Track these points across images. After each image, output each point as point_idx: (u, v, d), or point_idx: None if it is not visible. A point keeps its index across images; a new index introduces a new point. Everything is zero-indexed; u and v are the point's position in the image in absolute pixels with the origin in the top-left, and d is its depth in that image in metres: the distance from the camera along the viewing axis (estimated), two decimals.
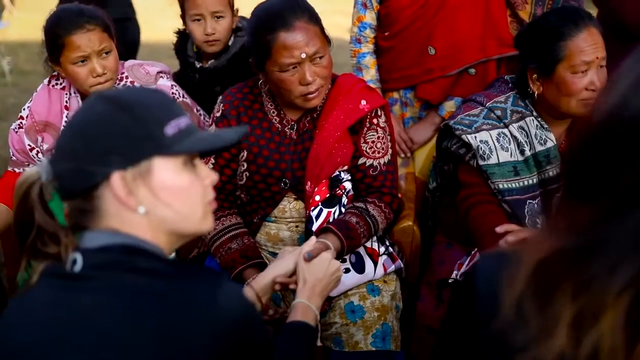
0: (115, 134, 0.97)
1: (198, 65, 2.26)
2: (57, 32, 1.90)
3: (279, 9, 1.70)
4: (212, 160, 1.92)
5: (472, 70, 2.26)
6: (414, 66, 2.27)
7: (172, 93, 2.09)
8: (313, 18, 1.72)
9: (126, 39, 3.44)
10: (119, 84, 2.03)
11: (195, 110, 2.19)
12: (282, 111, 1.87)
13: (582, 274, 0.72)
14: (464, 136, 1.82)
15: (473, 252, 1.93)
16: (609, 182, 0.75)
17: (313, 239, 1.57)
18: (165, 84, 2.07)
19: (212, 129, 1.93)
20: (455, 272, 1.92)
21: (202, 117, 2.22)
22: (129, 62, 2.10)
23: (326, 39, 1.75)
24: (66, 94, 2.06)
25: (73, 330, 0.93)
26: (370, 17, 2.31)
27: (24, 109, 2.08)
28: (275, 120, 1.87)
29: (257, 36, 1.71)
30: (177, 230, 1.02)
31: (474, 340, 0.87)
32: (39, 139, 2.05)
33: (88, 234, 0.99)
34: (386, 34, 2.29)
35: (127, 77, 2.05)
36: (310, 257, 1.47)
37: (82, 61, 1.91)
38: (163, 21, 6.66)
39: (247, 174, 1.87)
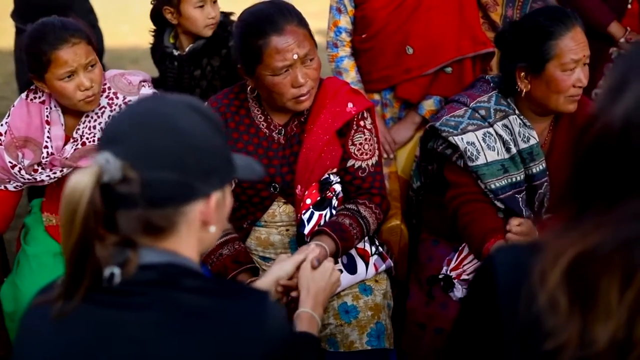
0: (217, 153, 0.97)
1: (176, 53, 2.34)
2: (41, 48, 1.83)
3: (269, 14, 1.70)
4: None
5: (449, 69, 2.32)
6: (392, 66, 2.31)
7: None
8: (302, 21, 1.74)
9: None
10: (101, 95, 2.00)
11: None
12: (269, 116, 1.88)
13: (625, 266, 0.75)
14: (450, 138, 1.85)
15: (460, 248, 1.98)
16: (634, 182, 0.79)
17: (314, 245, 1.59)
18: (148, 92, 2.06)
19: None
20: (444, 268, 1.97)
21: None
22: (110, 72, 2.07)
23: (314, 42, 1.77)
24: (46, 108, 2.00)
25: (118, 347, 0.91)
26: (345, 22, 2.35)
27: (1, 125, 2.00)
28: (263, 125, 1.88)
29: (247, 41, 1.71)
30: (205, 250, 1.04)
31: (494, 331, 0.89)
32: (20, 155, 1.98)
33: (143, 250, 0.95)
34: (363, 36, 2.33)
35: (109, 88, 2.02)
36: (318, 264, 1.49)
37: (69, 76, 1.86)
38: (121, 26, 6.57)
39: (236, 181, 1.87)
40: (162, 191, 0.92)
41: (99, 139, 1.02)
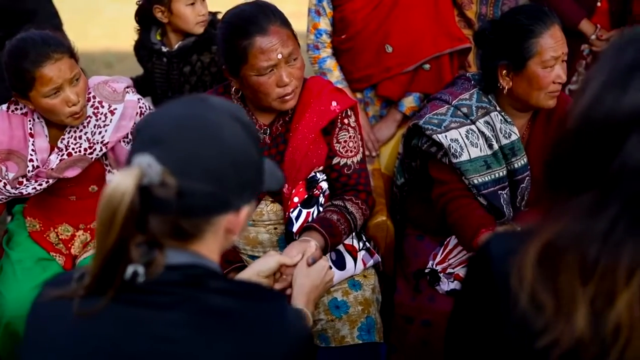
0: (253, 168, 0.98)
1: (165, 50, 2.37)
2: (24, 66, 1.79)
3: (252, 15, 1.72)
4: None
5: (427, 66, 2.37)
6: (373, 65, 2.36)
7: (140, 107, 2.07)
8: (285, 22, 1.76)
9: None
10: (86, 104, 1.99)
11: None
12: (254, 116, 1.89)
13: (584, 259, 0.79)
14: (434, 136, 1.89)
15: (445, 242, 2.02)
16: (596, 174, 0.82)
17: (312, 244, 1.60)
18: (133, 98, 2.06)
19: None
20: (430, 262, 2.00)
21: None
22: (93, 80, 2.05)
23: (297, 42, 1.80)
24: (29, 120, 1.96)
25: (144, 345, 0.91)
26: (324, 23, 2.38)
27: None
28: None
29: (231, 43, 1.73)
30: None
31: (493, 318, 0.91)
32: (3, 169, 1.95)
33: (168, 251, 0.95)
34: (343, 37, 2.36)
35: (94, 97, 2.00)
36: (313, 262, 1.51)
37: (55, 92, 1.83)
38: (92, 30, 6.49)
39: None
40: (197, 201, 0.92)
41: (134, 133, 0.99)
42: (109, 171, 2.10)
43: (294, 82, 1.77)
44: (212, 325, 0.92)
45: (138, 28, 2.44)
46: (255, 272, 1.49)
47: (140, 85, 2.44)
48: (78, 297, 0.93)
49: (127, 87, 2.06)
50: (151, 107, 2.16)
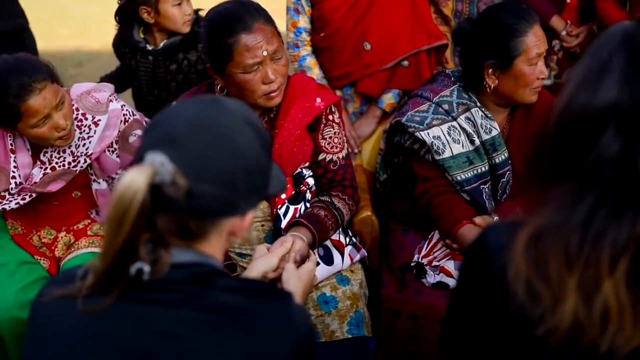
0: (262, 174, 0.98)
1: (150, 48, 2.38)
2: (8, 101, 1.74)
3: (237, 13, 1.72)
4: None
5: (406, 63, 2.39)
6: (352, 63, 2.38)
7: (124, 114, 2.05)
8: (268, 19, 1.76)
9: (25, 51, 3.31)
10: (73, 123, 1.95)
11: (144, 123, 2.17)
12: None
13: (568, 248, 0.82)
14: (417, 133, 1.90)
15: (430, 236, 2.05)
16: (575, 166, 0.86)
17: (298, 242, 1.61)
18: (116, 107, 2.04)
19: None
20: (416, 255, 2.03)
21: None
22: (75, 91, 2.00)
23: (281, 39, 1.80)
24: (9, 135, 1.92)
25: (153, 342, 0.91)
26: (304, 22, 2.39)
27: None
28: None
29: (216, 41, 1.72)
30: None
31: (492, 309, 0.93)
32: None
33: (174, 249, 0.95)
34: (322, 35, 2.38)
35: (77, 109, 1.96)
36: (301, 258, 1.52)
37: (43, 121, 1.79)
38: (59, 29, 6.38)
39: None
40: (206, 203, 0.92)
41: (147, 128, 0.99)
42: (94, 180, 2.08)
43: (279, 79, 1.77)
44: (221, 322, 0.92)
45: (118, 25, 2.43)
46: (260, 273, 1.49)
47: (118, 82, 2.42)
48: (83, 295, 0.93)
49: (111, 96, 2.04)
50: (134, 113, 2.14)
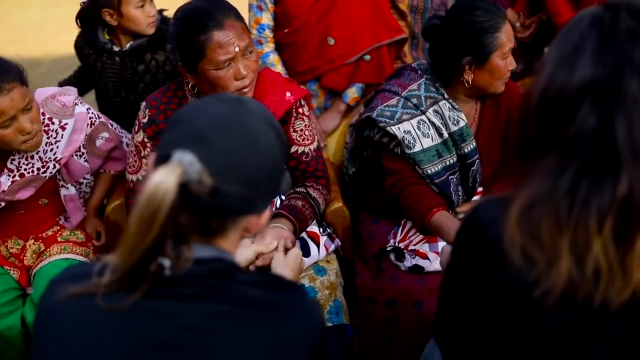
0: (280, 174, 1.00)
1: (117, 49, 2.35)
2: None
3: (207, 10, 1.73)
4: (145, 167, 1.90)
5: (368, 57, 2.45)
6: (316, 58, 2.41)
7: (90, 117, 2.02)
8: (238, 15, 1.78)
9: None
10: (41, 129, 1.91)
11: (110, 125, 2.15)
12: None
13: (557, 214, 0.89)
14: (388, 128, 1.95)
15: (403, 222, 2.10)
16: (557, 139, 0.93)
17: (283, 232, 1.63)
18: (82, 110, 2.02)
19: (140, 136, 1.91)
20: (391, 241, 2.08)
21: (117, 130, 2.18)
22: (40, 95, 1.97)
23: (250, 35, 1.82)
24: None
25: (178, 337, 0.91)
26: (267, 18, 2.41)
27: None
28: None
29: (188, 38, 1.73)
30: None
31: (490, 277, 0.98)
32: None
33: (195, 245, 0.96)
34: (286, 31, 2.40)
35: (43, 114, 1.92)
36: (292, 246, 1.54)
37: (8, 122, 1.75)
38: None
39: None
40: (229, 202, 0.94)
41: (168, 124, 0.99)
42: (62, 186, 2.04)
43: (250, 74, 1.79)
44: (244, 314, 0.94)
45: (80, 27, 2.40)
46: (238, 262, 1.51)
47: (79, 85, 2.38)
48: (102, 292, 0.92)
49: (76, 99, 2.01)
50: (100, 116, 2.12)
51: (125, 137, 2.24)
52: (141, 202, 0.88)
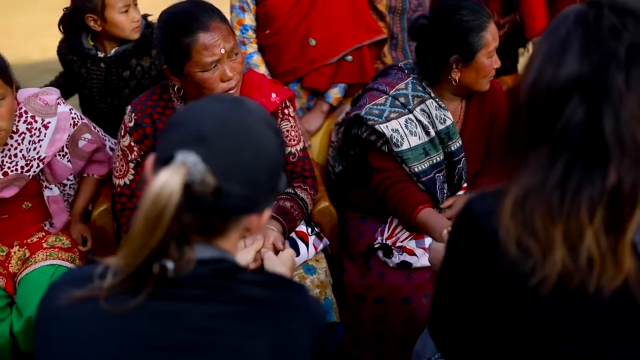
0: (279, 173, 1.01)
1: (102, 55, 2.34)
2: None
3: (193, 12, 1.73)
4: (132, 171, 1.90)
5: (349, 57, 2.48)
6: (298, 58, 2.43)
7: (72, 117, 2.02)
8: (223, 18, 1.79)
9: None
10: (19, 120, 1.91)
11: (92, 127, 2.14)
12: None
13: (550, 205, 0.92)
14: (377, 126, 1.98)
15: (389, 219, 2.13)
16: (546, 132, 0.96)
17: (272, 233, 1.64)
18: (65, 110, 2.01)
19: (127, 140, 1.91)
20: (379, 238, 2.10)
21: (100, 133, 2.17)
22: (22, 94, 1.96)
23: (235, 37, 1.83)
24: None
25: (184, 337, 0.91)
26: (249, 19, 2.43)
27: None
28: None
29: (173, 41, 1.73)
30: None
31: (486, 268, 0.99)
32: None
33: (197, 246, 0.96)
34: (267, 32, 2.42)
35: (26, 112, 1.91)
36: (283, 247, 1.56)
37: None
38: None
39: None
40: (232, 202, 0.94)
41: (169, 124, 0.99)
42: (46, 187, 2.03)
43: (236, 76, 1.80)
44: (248, 313, 0.94)
45: (63, 33, 2.38)
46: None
47: (62, 91, 2.36)
48: (105, 295, 0.92)
49: (58, 99, 2.00)
50: (83, 118, 2.11)
51: (109, 141, 2.23)
52: (146, 203, 0.88)
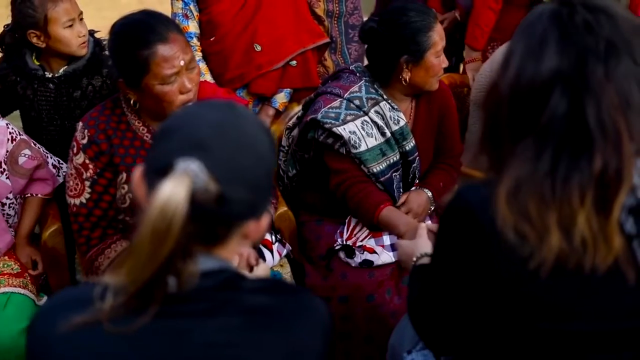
0: (272, 175, 1.01)
1: (50, 75, 2.21)
2: None
3: (149, 23, 1.69)
4: (88, 189, 1.84)
5: (294, 62, 2.50)
6: (244, 65, 2.43)
7: (10, 132, 1.93)
8: (179, 29, 1.76)
9: None
10: None
11: (32, 144, 2.05)
12: (150, 126, 1.87)
13: (542, 193, 0.99)
14: (334, 129, 2.01)
15: (347, 220, 2.17)
16: (531, 125, 1.04)
17: (245, 249, 1.64)
18: (2, 124, 1.93)
19: (80, 158, 1.84)
20: (339, 240, 2.14)
21: (42, 150, 2.08)
22: None
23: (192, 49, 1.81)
24: None
25: (193, 354, 0.90)
26: (193, 27, 2.40)
27: None
28: (147, 137, 1.86)
29: (130, 54, 1.68)
30: None
31: (484, 256, 1.03)
32: None
33: (199, 257, 0.93)
34: (212, 39, 2.40)
35: None
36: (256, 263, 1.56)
37: None
38: None
39: (130, 196, 1.84)
40: (236, 208, 0.93)
41: (165, 135, 0.95)
42: None
43: (194, 88, 1.78)
44: (256, 323, 0.93)
45: (3, 52, 2.23)
46: None
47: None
48: (108, 317, 0.89)
49: None
50: (21, 132, 2.01)
51: (51, 158, 2.14)
52: (152, 217, 0.85)
